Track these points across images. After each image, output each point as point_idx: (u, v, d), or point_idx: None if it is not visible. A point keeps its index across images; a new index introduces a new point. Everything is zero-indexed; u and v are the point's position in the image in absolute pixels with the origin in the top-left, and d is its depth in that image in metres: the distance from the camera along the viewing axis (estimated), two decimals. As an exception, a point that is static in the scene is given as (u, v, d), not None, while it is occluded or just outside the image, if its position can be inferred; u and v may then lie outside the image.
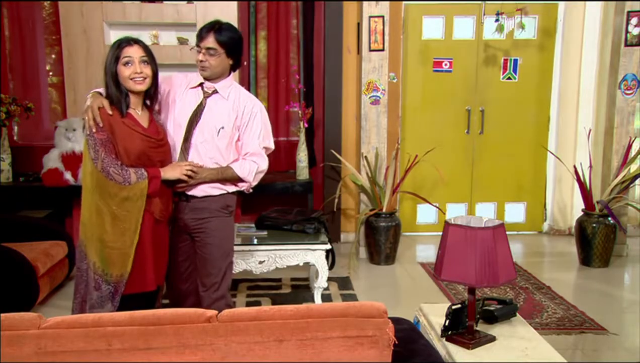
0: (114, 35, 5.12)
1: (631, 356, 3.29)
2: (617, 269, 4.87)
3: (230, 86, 2.80)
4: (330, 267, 3.86)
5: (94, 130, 2.49)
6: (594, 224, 4.82)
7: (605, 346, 3.43)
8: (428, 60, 5.66)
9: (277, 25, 5.47)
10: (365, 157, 5.07)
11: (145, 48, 2.56)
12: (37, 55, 5.30)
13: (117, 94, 2.53)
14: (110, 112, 2.51)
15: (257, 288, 4.41)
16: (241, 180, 2.80)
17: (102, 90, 2.60)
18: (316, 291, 3.85)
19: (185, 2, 5.10)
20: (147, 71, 2.54)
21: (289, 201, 5.18)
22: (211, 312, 1.69)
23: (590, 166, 5.12)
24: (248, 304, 4.08)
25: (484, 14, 5.42)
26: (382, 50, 5.03)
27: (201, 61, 2.70)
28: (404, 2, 5.48)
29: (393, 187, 4.98)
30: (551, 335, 3.53)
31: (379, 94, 5.08)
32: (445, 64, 5.68)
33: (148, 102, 2.68)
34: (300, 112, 5.11)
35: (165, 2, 5.09)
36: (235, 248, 3.62)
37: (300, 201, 5.23)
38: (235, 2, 5.12)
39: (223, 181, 2.77)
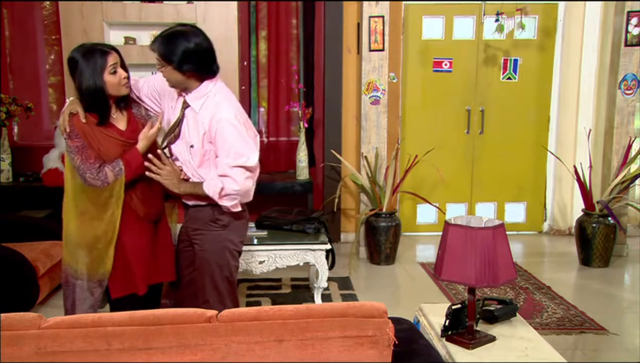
0: (113, 35, 5.12)
1: (631, 356, 3.29)
2: (617, 269, 4.87)
3: (204, 96, 2.54)
4: (330, 267, 3.86)
5: (64, 136, 2.48)
6: (594, 224, 4.82)
7: (605, 346, 3.43)
8: (428, 60, 5.66)
9: (277, 25, 5.47)
10: (365, 157, 5.07)
11: (119, 53, 2.52)
12: (37, 55, 5.31)
13: (103, 106, 2.47)
14: (84, 120, 2.46)
15: (257, 288, 4.41)
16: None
17: None
18: (316, 291, 3.85)
19: (185, 2, 5.10)
20: (126, 73, 2.53)
21: (289, 201, 5.18)
22: (211, 312, 1.69)
23: (590, 166, 5.12)
24: (248, 304, 4.08)
25: (484, 14, 5.42)
26: (382, 50, 5.03)
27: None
28: (404, 2, 5.48)
29: (393, 187, 4.98)
30: (551, 335, 3.53)
31: (379, 94, 5.08)
32: (445, 64, 5.68)
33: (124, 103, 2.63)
34: (300, 112, 5.12)
35: (165, 2, 5.09)
36: (235, 248, 3.64)
37: (300, 201, 5.23)
38: (235, 2, 5.12)
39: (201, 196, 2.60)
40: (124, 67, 2.52)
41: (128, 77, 2.54)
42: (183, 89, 2.57)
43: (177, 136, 2.62)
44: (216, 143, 2.51)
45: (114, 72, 2.46)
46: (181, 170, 2.62)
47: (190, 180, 2.62)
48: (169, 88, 2.64)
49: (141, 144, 2.54)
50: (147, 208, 2.62)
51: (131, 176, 2.51)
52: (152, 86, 2.73)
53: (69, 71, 2.48)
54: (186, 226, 2.75)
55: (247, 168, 2.53)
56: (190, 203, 2.68)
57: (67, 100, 2.56)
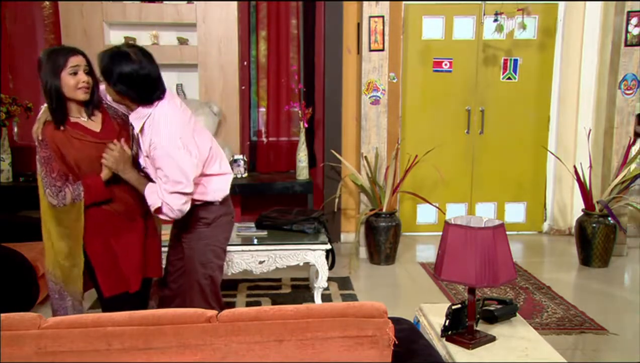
0: (113, 35, 5.12)
1: (631, 356, 3.29)
2: (617, 269, 4.87)
3: (144, 117, 2.50)
4: (330, 267, 3.86)
5: (36, 143, 2.44)
6: (594, 224, 4.82)
7: (605, 346, 3.43)
8: (428, 60, 5.66)
9: (277, 25, 5.47)
10: (365, 157, 5.07)
11: (87, 58, 2.47)
12: (37, 55, 5.29)
13: (59, 106, 2.42)
14: (62, 127, 2.44)
15: (257, 288, 4.41)
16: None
17: None
18: (316, 291, 3.85)
19: (185, 2, 5.10)
20: (90, 80, 2.46)
21: (289, 201, 5.18)
22: (211, 312, 1.69)
23: (590, 166, 5.12)
24: (248, 304, 4.08)
25: (484, 14, 5.42)
26: (382, 50, 5.03)
27: None
28: (404, 2, 5.48)
29: (393, 187, 4.98)
30: (551, 335, 3.53)
31: (379, 94, 5.08)
32: (445, 64, 5.68)
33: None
34: (300, 112, 5.12)
35: (165, 2, 5.09)
36: (236, 248, 3.65)
37: (300, 201, 5.23)
38: (235, 2, 5.12)
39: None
40: (92, 74, 2.46)
41: (96, 85, 2.49)
42: (128, 108, 2.57)
43: (137, 152, 2.65)
44: (155, 167, 2.51)
45: (74, 74, 2.40)
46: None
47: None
48: None
49: (104, 172, 2.51)
50: (135, 204, 2.62)
51: (90, 201, 2.48)
52: None
53: (38, 70, 2.44)
54: (175, 225, 2.83)
55: (184, 194, 2.52)
56: None
57: (41, 107, 2.52)
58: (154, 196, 2.52)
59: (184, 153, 2.49)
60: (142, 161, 2.61)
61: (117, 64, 2.41)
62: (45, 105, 2.48)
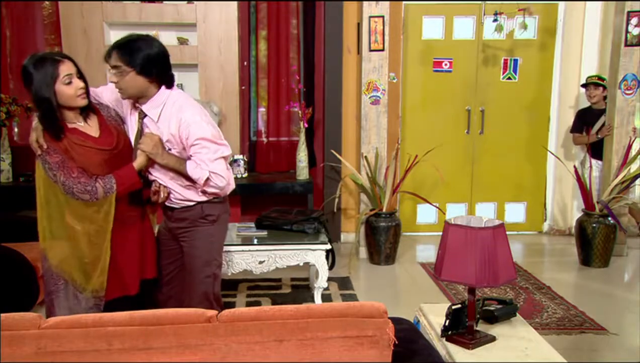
0: (114, 35, 5.12)
1: (631, 356, 3.29)
2: (617, 269, 4.87)
3: (161, 105, 2.57)
4: (330, 267, 3.86)
5: (39, 152, 2.39)
6: (594, 224, 4.82)
7: (605, 346, 3.43)
8: (428, 60, 5.66)
9: (277, 25, 5.47)
10: (365, 157, 5.07)
11: (74, 61, 2.44)
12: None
13: (50, 120, 2.36)
14: (62, 135, 2.41)
15: (257, 288, 4.41)
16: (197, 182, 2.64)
17: None
18: (316, 291, 3.85)
19: (185, 2, 5.10)
20: (83, 84, 2.43)
21: (289, 201, 5.18)
22: (211, 312, 1.69)
23: (591, 166, 5.12)
24: (248, 304, 4.08)
25: (484, 14, 5.42)
26: (382, 50, 5.02)
27: (114, 82, 2.53)
28: (404, 2, 5.48)
29: (393, 187, 4.98)
30: (551, 335, 3.53)
31: (379, 94, 5.08)
32: (445, 64, 5.68)
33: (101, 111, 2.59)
34: (300, 112, 5.11)
35: (165, 2, 5.09)
36: (235, 248, 3.65)
37: (300, 201, 5.23)
38: (235, 2, 5.12)
39: (183, 176, 2.63)
40: (81, 77, 2.43)
41: (87, 88, 2.46)
42: (138, 99, 2.58)
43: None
44: (191, 143, 2.56)
45: (69, 83, 2.35)
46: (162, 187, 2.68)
47: (171, 187, 2.68)
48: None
49: (139, 160, 2.52)
50: (132, 208, 2.63)
51: (124, 191, 2.49)
52: (113, 91, 2.67)
53: (23, 81, 2.37)
54: (171, 226, 2.80)
55: (224, 157, 2.65)
56: (176, 206, 2.72)
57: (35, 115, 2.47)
58: (197, 170, 2.58)
59: (212, 127, 2.61)
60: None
61: (143, 49, 2.49)
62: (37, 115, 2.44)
